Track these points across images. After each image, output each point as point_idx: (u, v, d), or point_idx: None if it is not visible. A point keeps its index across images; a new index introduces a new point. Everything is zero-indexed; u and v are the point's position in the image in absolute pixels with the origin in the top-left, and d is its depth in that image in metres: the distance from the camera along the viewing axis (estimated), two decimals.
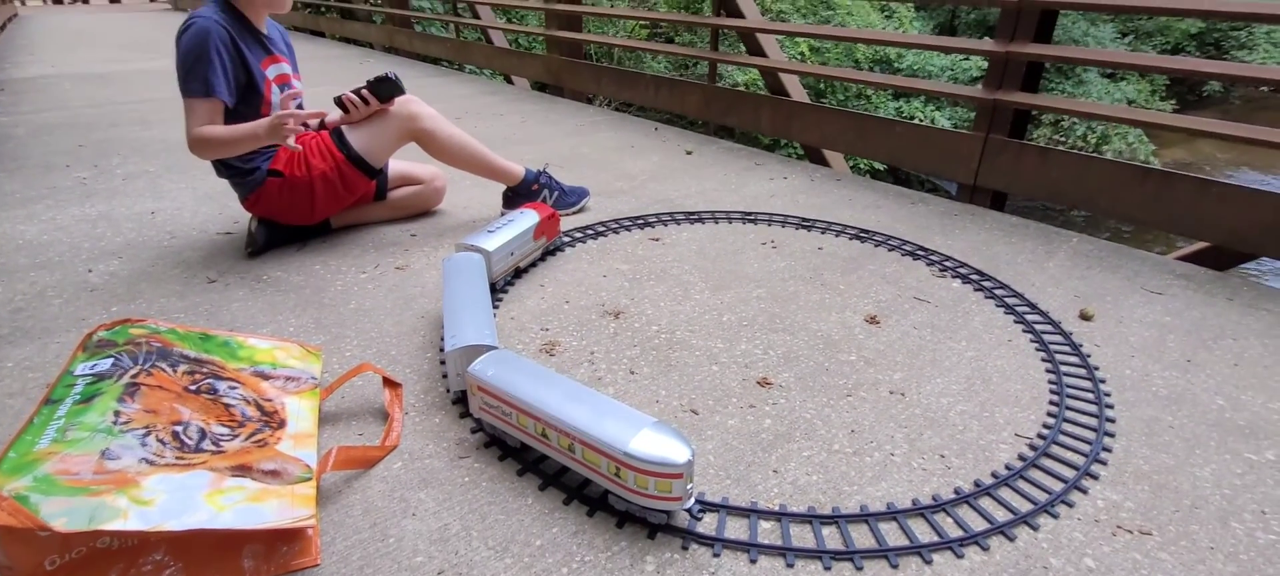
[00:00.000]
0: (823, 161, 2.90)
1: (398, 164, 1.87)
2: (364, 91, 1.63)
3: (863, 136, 2.56)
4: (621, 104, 4.01)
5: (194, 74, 1.41)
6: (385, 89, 1.63)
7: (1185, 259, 1.89)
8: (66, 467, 0.72)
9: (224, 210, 1.90)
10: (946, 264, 1.70)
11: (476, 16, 5.05)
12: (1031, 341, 1.34)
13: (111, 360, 0.91)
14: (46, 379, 1.14)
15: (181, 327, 1.05)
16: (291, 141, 1.42)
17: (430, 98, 3.95)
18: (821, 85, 9.68)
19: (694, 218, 1.97)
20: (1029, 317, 1.42)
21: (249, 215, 1.67)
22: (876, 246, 1.81)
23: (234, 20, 1.50)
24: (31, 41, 6.90)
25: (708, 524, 0.87)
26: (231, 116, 1.48)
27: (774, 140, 7.01)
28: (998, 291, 1.55)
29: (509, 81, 4.82)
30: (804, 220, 1.97)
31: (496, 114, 3.49)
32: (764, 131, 2.88)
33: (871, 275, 1.63)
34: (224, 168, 1.59)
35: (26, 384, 1.12)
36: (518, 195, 1.88)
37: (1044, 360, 1.27)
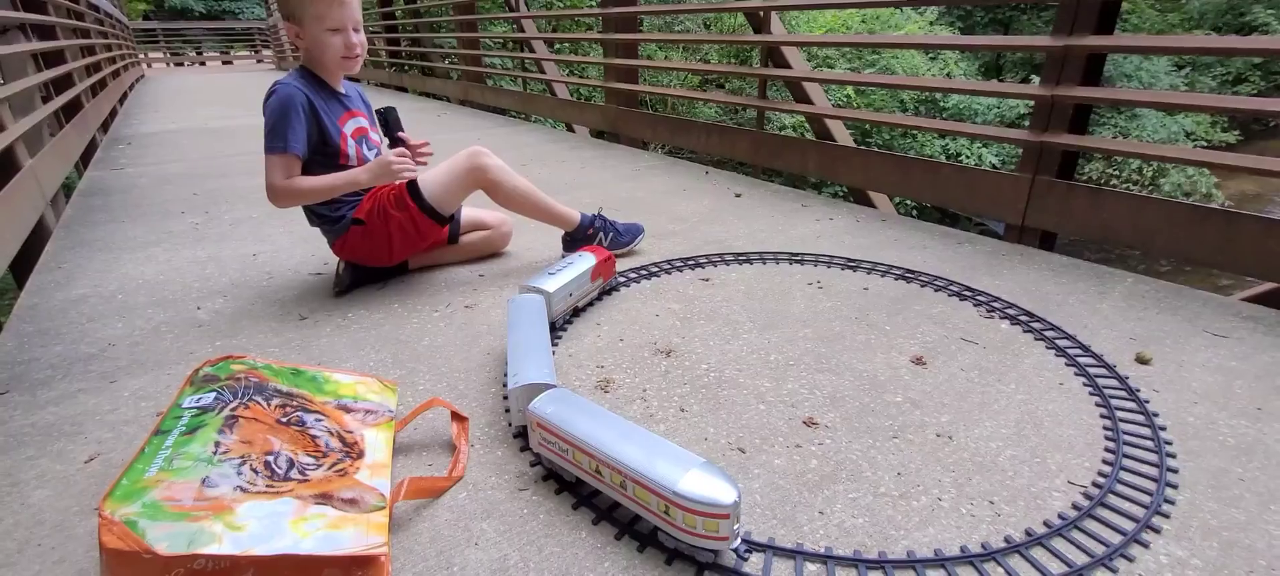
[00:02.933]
0: (868, 202, 2.85)
1: (470, 211, 1.93)
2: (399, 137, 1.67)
3: (907, 178, 2.51)
4: (674, 149, 4.06)
5: (276, 133, 1.52)
6: (385, 122, 1.67)
7: (1252, 299, 1.76)
8: (171, 494, 0.76)
9: (316, 253, 2.01)
10: (994, 305, 1.63)
11: (542, 71, 5.23)
12: (1085, 385, 1.27)
13: (214, 394, 0.96)
14: (157, 407, 1.22)
15: (276, 363, 1.11)
16: (397, 167, 1.55)
17: (500, 145, 4.06)
18: (867, 126, 9.54)
19: (743, 258, 1.96)
20: (1082, 360, 1.35)
21: (338, 258, 1.76)
22: (922, 287, 1.76)
23: (312, 84, 1.61)
24: (156, 100, 7.52)
25: (754, 564, 0.85)
26: (306, 168, 1.58)
27: (820, 181, 6.95)
28: (1048, 333, 1.47)
29: (571, 130, 4.95)
30: (850, 261, 1.94)
31: (559, 160, 3.58)
32: (810, 173, 2.86)
33: (918, 316, 1.58)
34: (315, 217, 1.69)
35: (140, 412, 1.20)
36: (576, 238, 1.92)
37: (1099, 405, 1.20)
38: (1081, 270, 1.86)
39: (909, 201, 7.64)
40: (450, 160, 1.75)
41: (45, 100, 3.17)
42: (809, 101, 2.94)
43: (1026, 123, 2.13)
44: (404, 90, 8.10)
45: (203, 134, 4.68)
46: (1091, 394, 1.24)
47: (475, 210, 1.97)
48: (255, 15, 19.40)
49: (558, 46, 6.43)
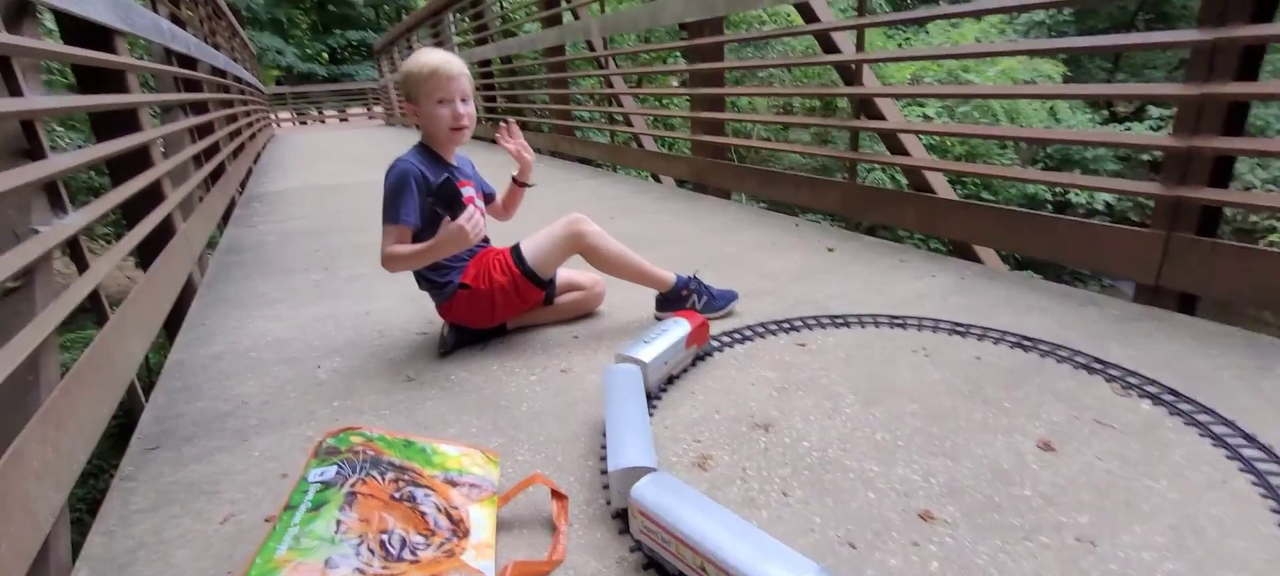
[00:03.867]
0: (973, 256, 2.68)
1: (564, 272, 1.98)
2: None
3: (1018, 232, 2.34)
4: (761, 199, 4.03)
5: (391, 205, 1.64)
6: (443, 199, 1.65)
7: None
8: (298, 575, 0.80)
9: (421, 311, 2.10)
10: (1131, 380, 1.47)
11: (629, 123, 5.37)
12: (1254, 484, 1.10)
13: (336, 468, 1.01)
14: (283, 468, 1.29)
15: (389, 434, 1.15)
16: (470, 231, 1.57)
17: (587, 197, 4.15)
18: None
19: (839, 321, 1.89)
20: (1247, 453, 1.18)
21: (443, 320, 1.84)
22: (1043, 356, 1.62)
23: (427, 158, 1.72)
24: (284, 158, 8.29)
25: None
26: (421, 237, 1.67)
27: (912, 233, 6.64)
28: (1201, 417, 1.31)
29: (657, 180, 5.02)
30: (957, 325, 1.81)
31: (646, 212, 3.63)
32: (908, 227, 2.74)
33: (1040, 391, 1.45)
34: (423, 282, 1.78)
35: (267, 473, 1.28)
36: (669, 301, 1.91)
37: (1274, 512, 1.04)
38: (1234, 339, 1.65)
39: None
40: (550, 227, 1.80)
41: (196, 167, 3.57)
42: (905, 152, 2.83)
43: (1142, 160, 1.95)
44: (497, 143, 8.54)
45: (322, 191, 5.10)
46: (1264, 496, 1.07)
47: (570, 271, 2.01)
48: (368, 76, 21.21)
49: (645, 99, 6.60)
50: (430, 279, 1.76)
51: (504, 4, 7.65)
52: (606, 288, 2.06)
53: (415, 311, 2.13)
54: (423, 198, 1.65)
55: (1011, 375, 1.53)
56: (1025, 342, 1.69)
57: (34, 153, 1.62)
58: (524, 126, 7.65)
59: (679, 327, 1.58)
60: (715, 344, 1.76)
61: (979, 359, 1.63)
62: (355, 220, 3.80)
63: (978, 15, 8.87)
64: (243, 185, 5.86)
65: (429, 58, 1.64)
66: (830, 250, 2.64)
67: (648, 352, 1.45)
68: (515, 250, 1.79)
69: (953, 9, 2.64)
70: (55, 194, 1.65)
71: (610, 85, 5.62)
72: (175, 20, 3.91)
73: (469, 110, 1.71)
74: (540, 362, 1.72)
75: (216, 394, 1.64)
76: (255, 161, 7.65)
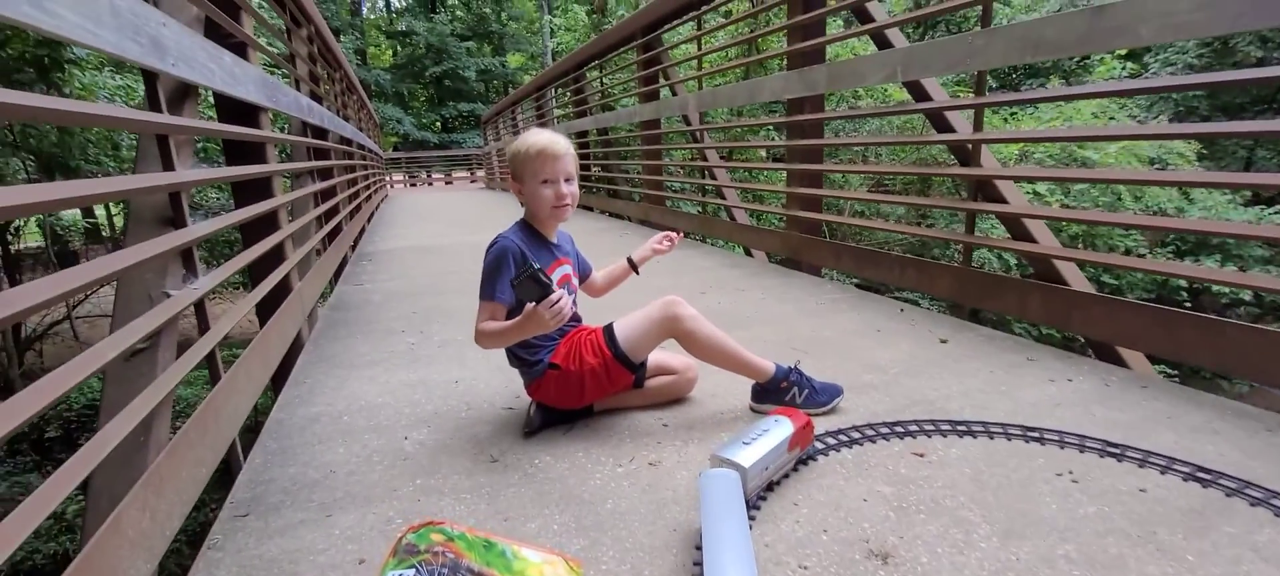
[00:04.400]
0: (1113, 357, 2.36)
1: (655, 355, 1.88)
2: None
3: (1174, 334, 2.03)
4: (857, 277, 3.83)
5: (488, 281, 1.64)
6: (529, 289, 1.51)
7: None
8: None
9: (509, 384, 2.06)
10: None
11: (722, 196, 5.33)
12: None
13: (413, 571, 0.93)
14: (361, 552, 1.24)
15: (470, 532, 1.07)
16: (548, 317, 1.48)
17: (678, 267, 4.07)
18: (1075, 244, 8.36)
19: (962, 429, 1.67)
20: None
21: (530, 399, 1.78)
22: (1228, 496, 1.34)
23: (529, 236, 1.71)
24: (394, 218, 8.86)
25: None
26: (515, 315, 1.63)
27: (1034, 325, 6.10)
28: None
29: (748, 254, 4.91)
30: (1109, 444, 1.55)
31: (738, 288, 3.50)
32: (1033, 320, 2.46)
33: (1233, 543, 1.18)
34: (514, 359, 1.74)
35: (345, 557, 1.23)
36: (767, 392, 1.77)
37: None
38: None
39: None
40: (645, 309, 1.73)
41: (317, 228, 3.82)
42: (1028, 237, 2.58)
43: None
44: (590, 210, 8.76)
45: (425, 251, 5.35)
46: None
47: (661, 354, 1.91)
48: (474, 143, 22.75)
49: (737, 172, 6.57)
50: (521, 357, 1.72)
51: (604, 81, 7.97)
52: (698, 372, 1.94)
53: (502, 383, 2.09)
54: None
55: (1192, 518, 1.26)
56: (1202, 475, 1.41)
57: (176, 220, 1.74)
58: (615, 195, 7.83)
59: (781, 428, 1.43)
60: (819, 445, 1.59)
61: (1144, 491, 1.36)
62: (452, 282, 3.92)
63: (1092, 96, 8.32)
64: (355, 243, 6.26)
65: (536, 139, 1.65)
66: (943, 342, 2.41)
67: (747, 455, 1.31)
68: (608, 331, 1.72)
69: (1070, 90, 2.43)
70: (189, 259, 1.76)
71: (704, 158, 5.64)
72: (314, 96, 4.29)
73: (572, 189, 1.70)
74: (628, 452, 1.62)
75: (308, 459, 1.64)
76: (369, 221, 8.22)
